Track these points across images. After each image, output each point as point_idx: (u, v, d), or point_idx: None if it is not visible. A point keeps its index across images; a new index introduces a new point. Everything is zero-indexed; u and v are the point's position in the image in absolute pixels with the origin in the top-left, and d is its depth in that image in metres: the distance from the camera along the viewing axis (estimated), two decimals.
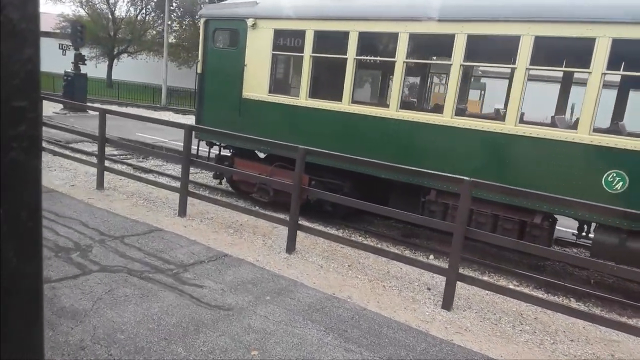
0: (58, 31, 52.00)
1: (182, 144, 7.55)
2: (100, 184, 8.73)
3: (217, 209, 8.18)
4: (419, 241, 8.00)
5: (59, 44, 20.89)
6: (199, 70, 9.24)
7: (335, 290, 5.44)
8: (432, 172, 5.91)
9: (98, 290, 4.81)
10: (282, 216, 8.34)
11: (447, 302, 5.16)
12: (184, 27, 43.21)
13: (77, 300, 4.58)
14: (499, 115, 7.92)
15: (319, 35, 7.65)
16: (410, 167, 5.94)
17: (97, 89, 34.64)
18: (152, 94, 32.98)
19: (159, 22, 47.65)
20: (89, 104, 17.22)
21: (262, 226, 7.62)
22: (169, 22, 31.73)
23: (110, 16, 49.83)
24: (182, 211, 7.56)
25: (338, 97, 7.54)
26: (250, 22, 8.28)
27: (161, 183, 8.56)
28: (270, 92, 8.31)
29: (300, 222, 6.57)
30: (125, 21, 50.02)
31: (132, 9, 50.94)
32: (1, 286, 0.64)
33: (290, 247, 6.38)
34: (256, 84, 8.39)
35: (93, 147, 13.83)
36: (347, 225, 8.35)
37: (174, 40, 45.18)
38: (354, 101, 7.56)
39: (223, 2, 9.12)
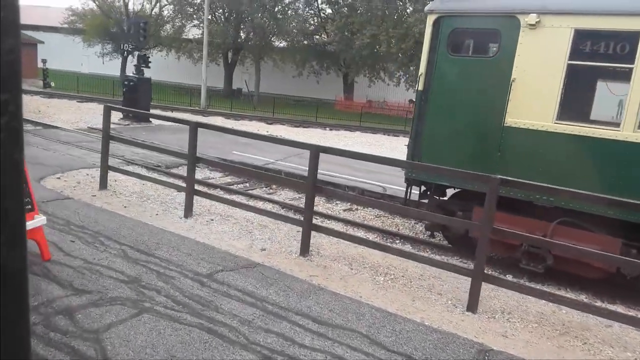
0: (66, 25, 49.23)
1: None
2: (305, 249, 6.26)
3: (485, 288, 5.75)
4: None
5: (121, 44, 17.97)
6: (419, 87, 6.74)
7: None
8: None
9: None
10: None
11: None
12: (214, 22, 40.31)
13: None
14: None
15: None
16: None
17: (112, 88, 31.86)
18: (190, 96, 30.17)
19: (179, 16, 44.77)
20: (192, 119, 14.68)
21: (596, 328, 5.20)
22: (208, 17, 28.99)
23: (123, 10, 46.85)
24: (474, 304, 5.09)
25: None
26: (528, 19, 5.79)
27: (427, 258, 6.02)
28: (558, 119, 5.83)
29: None
30: (140, 15, 47.00)
31: (146, 3, 47.96)
32: None
33: None
34: (532, 107, 5.92)
35: (200, 173, 11.32)
36: None
37: (199, 36, 42.39)
38: None
39: None
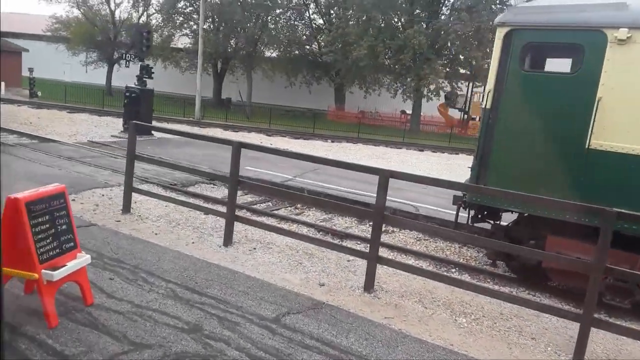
0: (49, 33, 47.97)
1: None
2: (370, 284, 5.64)
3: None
4: None
5: (123, 54, 17.17)
6: (486, 105, 6.22)
7: None
8: None
9: None
10: None
11: None
12: (205, 31, 39.54)
13: None
14: None
15: None
16: None
17: (100, 98, 30.96)
18: (183, 106, 29.35)
19: (169, 25, 43.93)
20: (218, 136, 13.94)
21: None
22: (204, 27, 28.20)
23: (109, 18, 45.92)
24: (581, 353, 4.53)
25: None
26: (618, 34, 5.32)
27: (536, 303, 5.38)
28: None
29: None
30: (126, 25, 46.07)
31: (133, 12, 47.06)
32: None
33: None
34: (623, 129, 5.44)
35: (218, 191, 10.61)
36: None
37: (189, 45, 41.70)
38: None
39: (539, 5, 6.11)
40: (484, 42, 28.89)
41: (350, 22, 32.51)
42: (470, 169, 6.54)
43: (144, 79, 15.74)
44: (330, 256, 6.82)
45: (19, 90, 36.41)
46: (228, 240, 6.71)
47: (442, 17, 31.61)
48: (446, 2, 32.77)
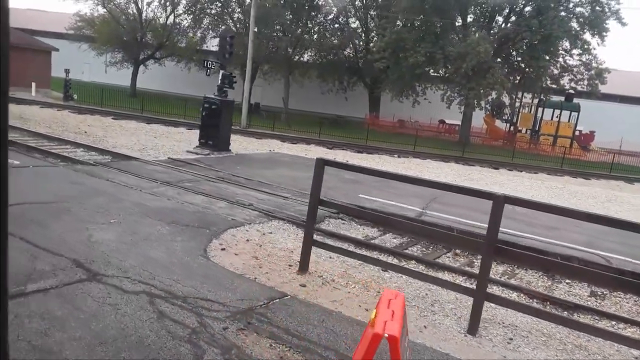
0: (72, 32, 46.43)
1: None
2: None
3: None
4: None
5: (204, 61, 15.44)
6: None
7: None
8: None
9: None
10: None
11: None
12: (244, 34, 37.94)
13: None
14: None
15: None
16: None
17: (139, 102, 29.38)
18: None
19: (200, 27, 42.39)
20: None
21: None
22: (254, 29, 26.38)
23: (137, 17, 44.50)
24: None
25: None
26: None
27: None
28: None
29: None
30: (153, 25, 44.73)
31: (162, 10, 45.68)
32: None
33: None
34: None
35: (352, 229, 8.87)
36: None
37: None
38: None
39: None
40: (553, 50, 27.16)
41: (401, 27, 30.76)
42: None
43: (225, 88, 13.96)
44: (607, 349, 5.08)
45: (47, 91, 34.77)
46: (474, 326, 4.95)
47: (502, 25, 29.86)
48: (502, 10, 30.98)
